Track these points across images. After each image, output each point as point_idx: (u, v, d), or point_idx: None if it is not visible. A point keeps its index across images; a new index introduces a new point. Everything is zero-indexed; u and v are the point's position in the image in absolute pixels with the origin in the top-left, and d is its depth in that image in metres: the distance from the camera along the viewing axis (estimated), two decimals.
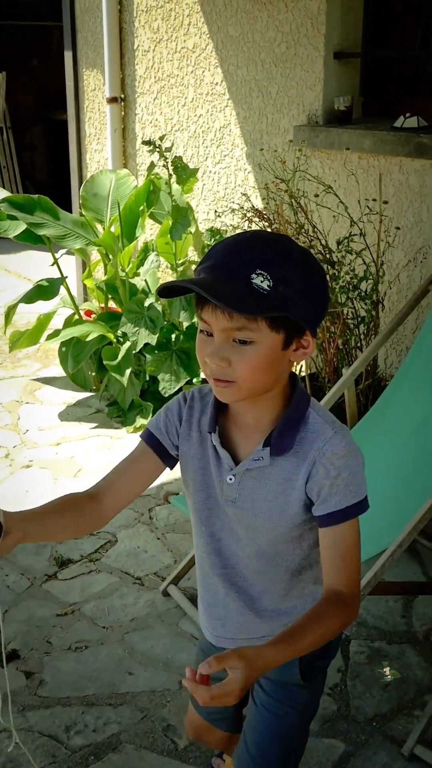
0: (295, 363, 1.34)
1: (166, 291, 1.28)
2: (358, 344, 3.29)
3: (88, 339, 3.97)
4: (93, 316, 4.46)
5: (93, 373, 4.40)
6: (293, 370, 1.40)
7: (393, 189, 3.39)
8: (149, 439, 1.47)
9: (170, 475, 3.60)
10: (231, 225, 3.79)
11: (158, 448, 1.46)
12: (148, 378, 4.04)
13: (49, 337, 4.27)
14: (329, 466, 1.32)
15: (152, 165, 3.90)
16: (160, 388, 3.92)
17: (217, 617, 1.54)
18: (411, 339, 3.42)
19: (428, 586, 2.79)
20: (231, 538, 1.45)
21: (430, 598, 2.77)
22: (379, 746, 2.20)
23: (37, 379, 4.64)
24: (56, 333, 4.25)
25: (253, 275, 1.21)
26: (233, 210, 3.41)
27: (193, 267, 4.41)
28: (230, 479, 1.40)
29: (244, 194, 3.86)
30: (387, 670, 2.03)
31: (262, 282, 1.21)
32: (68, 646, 2.58)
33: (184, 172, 3.88)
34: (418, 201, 3.35)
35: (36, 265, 6.19)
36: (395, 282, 3.37)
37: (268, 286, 1.21)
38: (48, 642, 2.60)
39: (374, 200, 3.20)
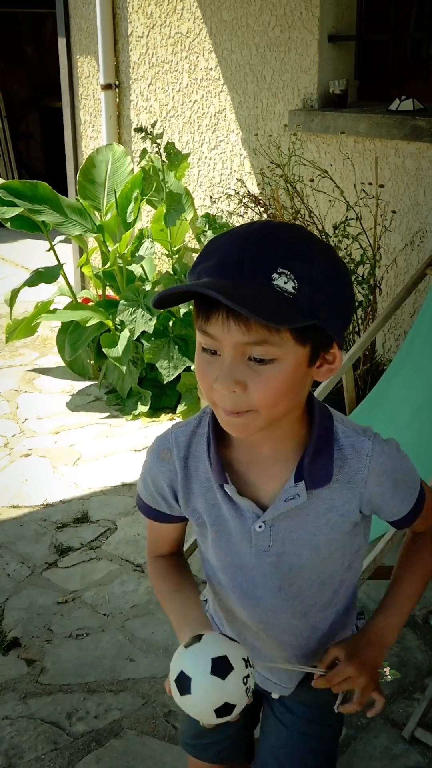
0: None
1: (162, 299, 1.05)
2: (356, 329, 3.28)
3: (87, 324, 3.96)
4: (91, 303, 4.45)
5: (91, 361, 4.40)
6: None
7: (389, 172, 3.37)
8: (147, 511, 1.30)
9: None
10: (227, 211, 3.77)
11: (161, 517, 1.29)
12: (146, 365, 4.04)
13: (47, 316, 4.21)
14: (383, 480, 1.18)
15: (144, 151, 3.89)
16: (158, 376, 3.92)
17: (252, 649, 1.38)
18: (409, 323, 3.41)
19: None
20: (268, 593, 1.27)
21: (429, 583, 2.77)
22: (380, 730, 2.21)
23: (36, 368, 4.64)
24: (52, 311, 4.19)
25: (275, 275, 0.99)
26: (229, 196, 3.39)
27: (191, 255, 4.43)
28: (259, 527, 1.19)
29: (240, 180, 3.84)
30: (387, 670, 2.04)
31: (285, 283, 0.99)
32: (69, 633, 2.59)
33: (176, 158, 3.86)
34: (415, 184, 3.33)
35: (32, 253, 6.17)
36: (392, 266, 3.36)
37: (293, 287, 0.99)
38: (49, 629, 2.61)
39: (370, 184, 3.18)
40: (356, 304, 3.24)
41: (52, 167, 7.42)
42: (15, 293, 4.29)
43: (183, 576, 1.34)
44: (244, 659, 1.11)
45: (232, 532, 1.22)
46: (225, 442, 1.19)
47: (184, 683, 1.10)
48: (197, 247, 4.37)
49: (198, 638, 1.13)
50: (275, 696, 1.44)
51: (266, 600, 1.28)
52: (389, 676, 1.98)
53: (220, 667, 1.08)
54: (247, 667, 1.11)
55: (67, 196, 5.15)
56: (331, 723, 1.45)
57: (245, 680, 1.10)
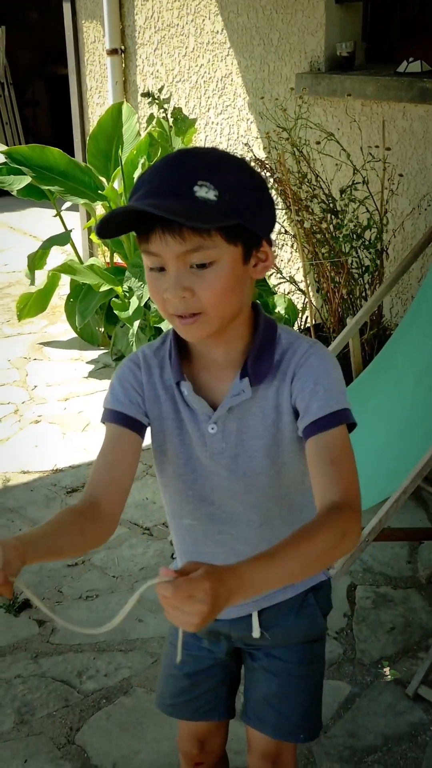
0: (255, 279, 1.25)
1: (105, 230, 1.16)
2: (363, 294, 3.28)
3: (100, 290, 3.96)
4: None
5: (101, 329, 4.41)
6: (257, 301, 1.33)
7: (396, 136, 3.35)
8: (116, 417, 1.31)
9: None
10: None
11: (129, 423, 1.31)
12: (154, 332, 4.05)
13: (58, 271, 4.18)
14: (308, 376, 1.24)
15: (151, 117, 3.87)
16: None
17: None
18: (416, 288, 3.40)
19: (430, 532, 2.82)
20: (226, 496, 1.34)
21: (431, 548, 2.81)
22: (384, 687, 2.25)
23: (44, 336, 4.66)
24: (66, 267, 4.12)
25: (196, 187, 1.11)
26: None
27: None
28: (212, 428, 1.29)
29: (246, 144, 3.82)
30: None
31: (207, 193, 1.11)
32: (79, 595, 2.64)
33: (183, 123, 3.84)
34: (422, 147, 3.31)
35: (40, 221, 6.17)
36: (399, 230, 3.35)
37: (215, 195, 1.12)
38: (59, 591, 2.65)
39: (377, 147, 3.16)
40: (364, 268, 3.24)
41: (59, 135, 7.38)
42: (36, 261, 4.29)
43: (66, 518, 1.24)
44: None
45: (190, 437, 1.31)
46: (184, 355, 1.31)
47: None
48: None
49: None
50: (255, 625, 1.44)
51: (224, 504, 1.35)
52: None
53: None
54: None
55: None
56: (317, 659, 1.50)
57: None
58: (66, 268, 4.10)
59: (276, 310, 4.07)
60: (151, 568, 2.74)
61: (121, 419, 1.31)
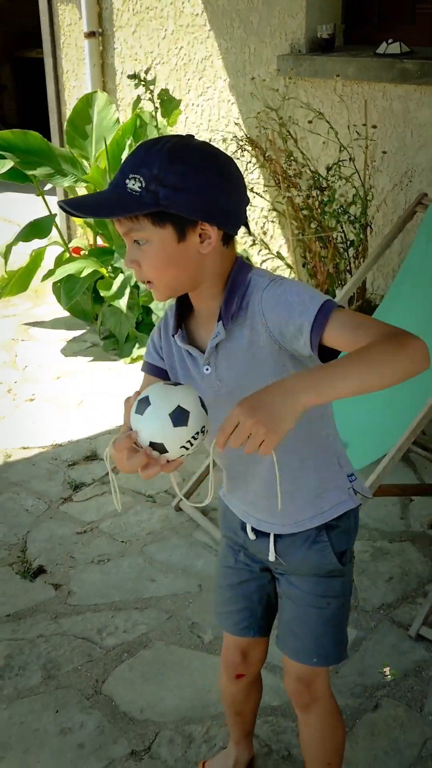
0: (205, 254, 1.36)
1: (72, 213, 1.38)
2: (347, 267, 3.42)
3: (82, 275, 4.06)
4: (83, 252, 4.54)
5: (89, 308, 4.50)
6: (243, 260, 1.44)
7: (377, 115, 3.48)
8: (149, 369, 1.55)
9: None
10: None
11: (155, 371, 1.54)
12: (142, 310, 4.15)
13: (44, 277, 4.35)
14: (278, 306, 1.35)
15: (138, 99, 3.95)
16: (154, 319, 4.04)
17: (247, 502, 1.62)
18: (396, 261, 3.55)
19: (424, 487, 2.99)
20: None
21: (424, 501, 2.97)
22: (388, 630, 2.41)
23: (31, 318, 4.73)
24: (51, 273, 4.32)
25: (128, 180, 1.31)
26: (225, 139, 3.49)
27: None
28: (206, 369, 1.46)
29: (237, 123, 3.93)
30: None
31: (134, 185, 1.30)
32: (91, 559, 2.75)
33: (169, 105, 3.93)
34: (402, 126, 3.45)
35: (18, 206, 6.19)
36: (382, 206, 3.49)
37: (140, 187, 1.30)
38: (71, 557, 2.77)
39: (364, 125, 3.29)
40: (349, 242, 3.37)
41: (27, 120, 7.39)
42: (9, 248, 4.36)
43: None
44: (202, 429, 1.30)
45: (195, 379, 1.50)
46: (188, 313, 1.49)
47: (142, 405, 1.29)
48: None
49: (177, 383, 1.37)
50: (271, 544, 1.61)
51: None
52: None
53: (179, 416, 1.28)
54: (197, 435, 1.29)
55: None
56: (336, 595, 1.62)
57: (189, 444, 1.28)
58: (36, 261, 4.24)
59: None
60: (158, 533, 2.87)
61: (151, 369, 1.56)
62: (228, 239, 1.40)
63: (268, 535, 1.62)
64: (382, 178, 3.53)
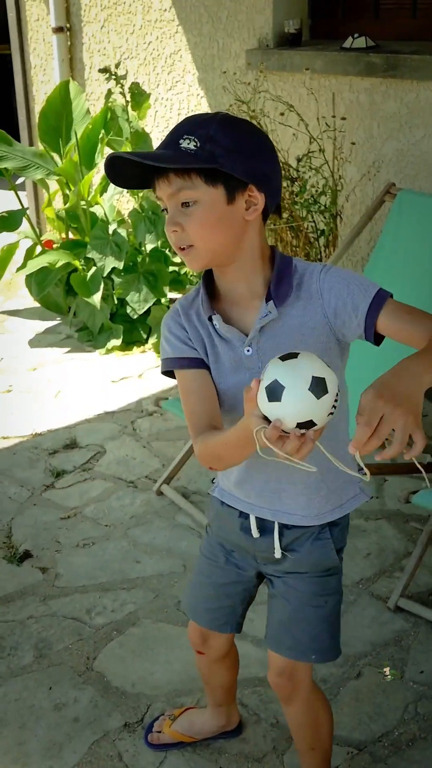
0: (253, 222, 1.41)
1: (118, 179, 1.43)
2: (319, 256, 3.51)
3: (56, 267, 4.11)
4: (54, 245, 4.58)
5: (62, 300, 4.54)
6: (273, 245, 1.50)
7: (344, 107, 3.58)
8: (183, 363, 1.50)
9: (150, 389, 3.82)
10: None
11: (195, 363, 1.50)
12: (116, 302, 4.21)
13: (18, 269, 4.37)
14: (337, 286, 1.40)
15: (110, 92, 4.00)
16: (128, 311, 4.10)
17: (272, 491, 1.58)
18: (367, 250, 3.65)
19: (398, 466, 3.09)
20: None
21: (398, 481, 3.07)
22: (367, 603, 2.50)
23: (3, 311, 4.76)
24: (24, 265, 4.35)
25: (181, 140, 1.35)
26: None
27: (152, 194, 4.58)
28: (248, 351, 1.45)
29: None
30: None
31: (189, 144, 1.34)
32: (76, 543, 2.81)
33: (140, 98, 3.99)
34: (369, 118, 3.55)
35: None
36: (351, 195, 3.59)
37: (195, 145, 1.34)
38: (57, 541, 2.82)
39: (333, 117, 3.39)
40: (319, 232, 3.47)
41: None
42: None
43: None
44: (337, 388, 1.19)
45: (225, 364, 1.49)
46: (214, 296, 1.50)
47: (276, 391, 1.18)
48: None
49: (294, 355, 1.21)
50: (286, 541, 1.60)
51: None
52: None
53: (318, 387, 1.17)
54: (336, 396, 1.19)
55: (19, 141, 5.21)
56: (332, 592, 1.66)
57: (333, 408, 1.19)
58: (8, 254, 4.26)
59: None
60: (141, 516, 2.94)
61: (187, 362, 1.51)
62: (265, 216, 1.44)
63: (272, 531, 1.61)
64: (351, 169, 3.62)
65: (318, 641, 1.67)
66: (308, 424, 1.17)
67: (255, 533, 1.62)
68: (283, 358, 1.22)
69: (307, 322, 1.44)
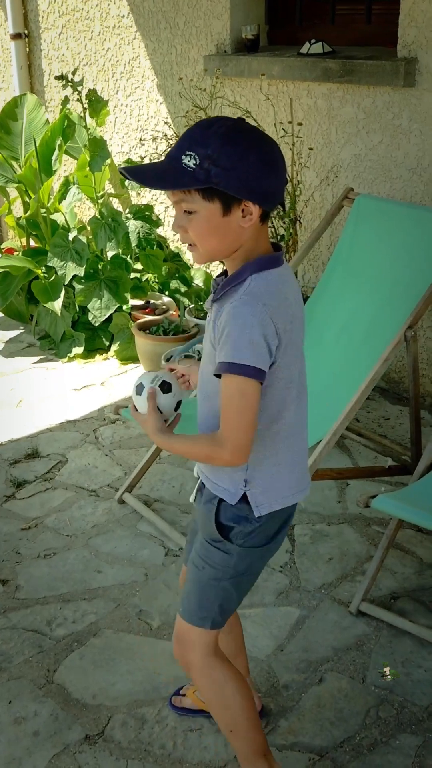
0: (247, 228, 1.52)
1: (135, 177, 1.54)
2: None
3: (17, 275, 4.07)
4: (15, 253, 4.54)
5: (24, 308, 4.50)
6: (277, 243, 1.62)
7: (302, 113, 3.59)
8: (265, 377, 1.55)
9: (112, 397, 3.79)
10: (156, 153, 3.91)
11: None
12: (77, 309, 4.18)
13: None
14: (224, 321, 1.52)
15: (66, 99, 3.98)
16: (90, 318, 4.08)
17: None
18: (326, 254, 3.66)
19: (359, 470, 3.10)
20: (204, 377, 1.71)
21: (360, 485, 3.08)
22: (329, 608, 2.50)
23: None
24: None
25: (183, 156, 1.46)
26: (155, 138, 3.54)
27: (112, 200, 4.57)
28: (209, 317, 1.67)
29: (167, 123, 3.99)
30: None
31: (189, 161, 1.46)
32: (37, 554, 2.78)
33: (97, 105, 3.98)
34: (327, 123, 3.56)
35: None
36: (310, 201, 3.60)
37: (194, 164, 1.45)
38: (17, 553, 2.79)
39: (290, 122, 3.39)
40: (279, 237, 3.47)
41: None
42: None
43: None
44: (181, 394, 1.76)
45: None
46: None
47: (138, 389, 1.73)
48: (118, 192, 4.51)
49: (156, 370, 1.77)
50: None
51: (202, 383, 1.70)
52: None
53: (163, 386, 1.72)
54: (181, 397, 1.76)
55: None
56: (212, 564, 1.73)
57: (178, 404, 1.74)
58: None
59: (194, 283, 4.27)
60: (102, 525, 2.91)
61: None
62: (264, 217, 1.55)
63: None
64: (310, 174, 3.63)
65: (187, 600, 1.79)
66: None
67: (193, 495, 1.82)
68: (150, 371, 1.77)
69: (214, 320, 1.59)
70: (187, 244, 1.58)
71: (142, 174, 1.54)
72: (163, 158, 1.56)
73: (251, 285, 1.54)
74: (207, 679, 1.81)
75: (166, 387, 1.72)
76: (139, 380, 1.75)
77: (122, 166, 1.54)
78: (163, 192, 1.54)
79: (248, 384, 1.50)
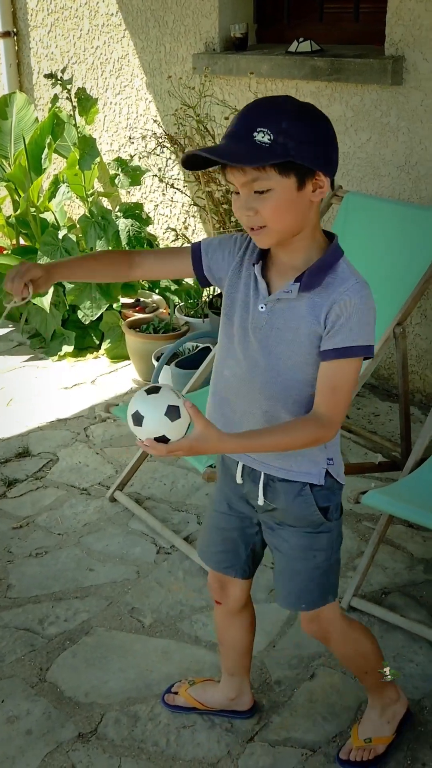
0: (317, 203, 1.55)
1: (189, 164, 1.55)
2: None
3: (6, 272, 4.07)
4: (5, 251, 4.54)
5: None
6: (331, 231, 1.63)
7: None
8: (196, 250, 1.70)
9: (103, 395, 3.80)
10: (146, 151, 3.91)
11: (196, 262, 1.70)
12: (68, 308, 4.18)
13: None
14: (344, 308, 1.53)
15: (56, 97, 3.98)
16: (80, 316, 4.08)
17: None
18: None
19: (349, 467, 3.11)
20: (247, 358, 1.66)
21: (350, 481, 3.08)
22: None
23: None
24: None
25: (255, 133, 1.43)
26: (144, 137, 3.54)
27: (101, 198, 4.57)
28: (261, 307, 1.62)
29: (156, 121, 3.99)
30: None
31: (263, 137, 1.43)
32: (29, 553, 2.78)
33: (86, 103, 3.98)
34: None
35: None
36: None
37: (269, 139, 1.43)
38: (9, 552, 2.79)
39: None
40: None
41: None
42: None
43: (103, 252, 1.70)
44: (187, 413, 1.50)
45: (239, 305, 1.66)
46: (265, 252, 1.64)
47: (138, 418, 1.50)
48: (108, 191, 4.51)
49: (156, 389, 1.52)
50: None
51: (242, 365, 1.67)
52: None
53: (171, 412, 1.49)
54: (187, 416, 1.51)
55: None
56: (321, 548, 1.79)
57: (189, 427, 1.52)
58: None
59: (184, 281, 4.27)
60: (94, 524, 2.92)
61: (196, 255, 1.73)
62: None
63: (258, 480, 1.75)
64: None
65: (308, 592, 1.82)
66: (163, 439, 1.50)
67: (239, 479, 1.79)
68: (148, 391, 1.51)
69: (316, 314, 1.56)
70: (250, 228, 1.54)
71: (217, 153, 1.49)
72: (221, 141, 1.51)
73: (350, 267, 1.59)
74: (347, 640, 1.94)
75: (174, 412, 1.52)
76: (134, 408, 1.51)
77: (191, 151, 1.53)
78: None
79: (361, 363, 1.59)
